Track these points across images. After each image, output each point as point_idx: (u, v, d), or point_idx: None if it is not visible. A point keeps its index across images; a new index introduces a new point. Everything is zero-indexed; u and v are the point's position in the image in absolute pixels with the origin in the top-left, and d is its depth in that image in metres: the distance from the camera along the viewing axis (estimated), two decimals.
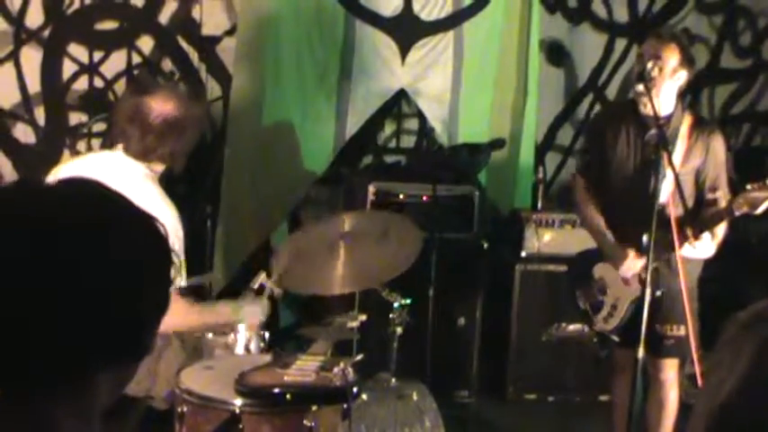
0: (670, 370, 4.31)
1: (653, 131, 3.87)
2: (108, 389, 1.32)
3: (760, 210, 3.80)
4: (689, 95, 6.59)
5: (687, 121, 4.18)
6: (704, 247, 3.96)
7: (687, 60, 4.10)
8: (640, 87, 4.00)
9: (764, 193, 3.77)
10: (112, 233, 1.28)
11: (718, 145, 4.18)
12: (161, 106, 3.46)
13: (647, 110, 4.01)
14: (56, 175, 3.44)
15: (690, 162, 4.14)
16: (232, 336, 3.61)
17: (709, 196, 4.13)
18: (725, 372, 1.29)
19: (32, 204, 1.28)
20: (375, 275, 3.79)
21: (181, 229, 3.39)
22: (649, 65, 3.97)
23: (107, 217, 1.29)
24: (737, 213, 3.85)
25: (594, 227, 4.35)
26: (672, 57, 4.04)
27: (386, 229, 3.74)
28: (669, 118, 4.10)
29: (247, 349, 3.61)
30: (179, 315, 3.30)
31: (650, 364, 4.04)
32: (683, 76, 4.10)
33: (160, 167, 3.54)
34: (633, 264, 4.13)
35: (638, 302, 3.92)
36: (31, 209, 1.26)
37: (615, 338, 4.22)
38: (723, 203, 4.01)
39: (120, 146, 3.52)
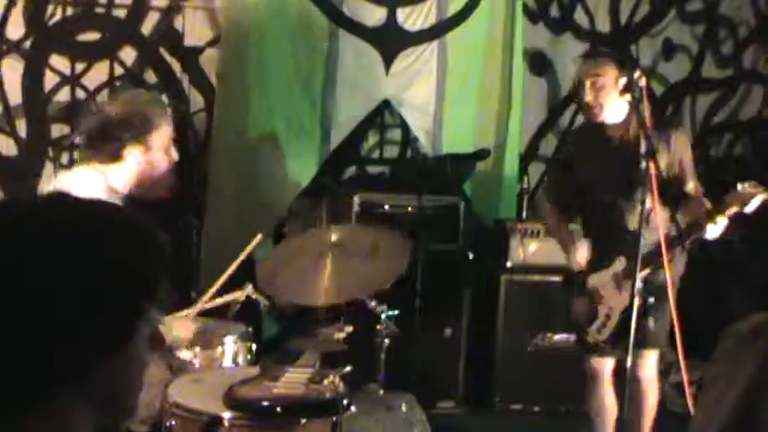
0: (644, 365, 4.33)
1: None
2: (88, 414, 1.28)
3: (749, 207, 3.90)
4: (670, 105, 6.65)
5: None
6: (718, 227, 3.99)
7: (622, 69, 4.24)
8: (627, 98, 4.13)
9: (754, 189, 3.89)
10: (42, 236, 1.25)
11: (681, 142, 4.31)
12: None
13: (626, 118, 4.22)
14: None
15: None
16: (219, 349, 3.58)
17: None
18: (724, 384, 1.29)
19: None
20: (361, 287, 3.78)
21: None
22: (588, 82, 4.20)
23: (53, 219, 1.27)
24: (728, 214, 3.92)
25: (554, 227, 4.64)
26: (610, 71, 4.21)
27: (375, 244, 3.73)
28: (626, 124, 4.23)
29: (235, 362, 3.58)
30: None
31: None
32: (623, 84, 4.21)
33: (117, 170, 3.41)
34: (581, 253, 4.33)
35: (628, 311, 3.98)
36: None
37: (604, 346, 4.26)
38: (693, 193, 4.21)
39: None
